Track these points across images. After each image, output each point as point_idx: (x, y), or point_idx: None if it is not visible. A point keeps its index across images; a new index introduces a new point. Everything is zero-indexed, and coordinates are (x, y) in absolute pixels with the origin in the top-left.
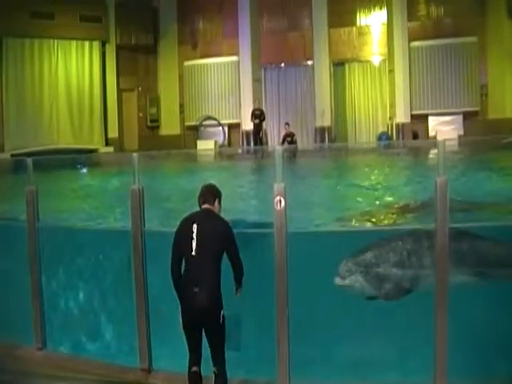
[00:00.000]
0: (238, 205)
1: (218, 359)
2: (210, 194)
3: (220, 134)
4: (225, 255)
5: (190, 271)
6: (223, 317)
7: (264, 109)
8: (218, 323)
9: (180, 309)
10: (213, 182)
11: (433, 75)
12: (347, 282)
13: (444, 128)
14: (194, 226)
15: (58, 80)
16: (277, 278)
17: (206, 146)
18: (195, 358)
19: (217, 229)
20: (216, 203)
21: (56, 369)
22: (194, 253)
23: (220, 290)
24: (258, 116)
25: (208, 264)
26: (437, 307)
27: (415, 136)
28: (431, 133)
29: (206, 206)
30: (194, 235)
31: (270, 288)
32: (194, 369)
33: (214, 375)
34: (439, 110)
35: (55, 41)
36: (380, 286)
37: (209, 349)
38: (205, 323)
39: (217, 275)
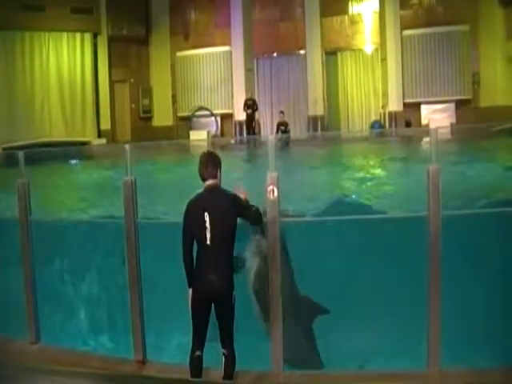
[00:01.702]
0: None
1: (228, 341)
2: (212, 164)
3: (213, 125)
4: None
5: (206, 260)
6: (234, 297)
7: (256, 98)
8: (230, 304)
9: (190, 292)
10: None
11: (425, 63)
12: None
13: (436, 116)
14: (206, 214)
15: (49, 72)
16: (270, 268)
17: (198, 136)
18: (199, 342)
19: (227, 209)
20: (219, 173)
21: (50, 362)
22: (208, 242)
23: (233, 273)
24: (251, 106)
25: (223, 251)
26: (430, 295)
27: (408, 124)
28: (424, 121)
29: (210, 182)
30: (208, 225)
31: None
32: (198, 353)
33: (223, 357)
34: (431, 99)
35: (46, 33)
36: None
37: (218, 331)
38: (219, 305)
39: (231, 260)
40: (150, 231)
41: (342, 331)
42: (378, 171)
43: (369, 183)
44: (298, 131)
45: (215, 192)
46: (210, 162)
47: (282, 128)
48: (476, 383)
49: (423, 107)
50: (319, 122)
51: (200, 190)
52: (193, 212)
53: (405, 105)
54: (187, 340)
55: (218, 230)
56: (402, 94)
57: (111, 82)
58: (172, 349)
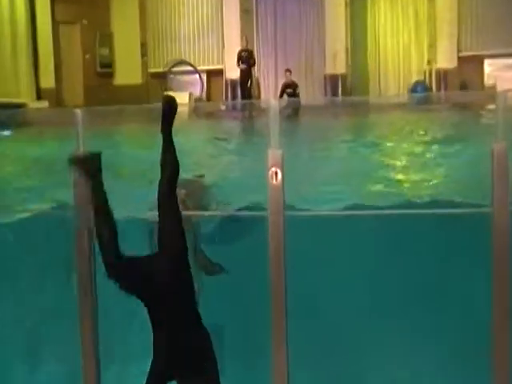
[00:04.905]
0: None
1: None
2: None
3: (196, 84)
4: None
5: None
6: None
7: (255, 50)
8: None
9: None
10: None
11: (490, 2)
12: None
13: (506, 74)
14: None
15: None
16: (271, 272)
17: (177, 99)
18: None
19: None
20: None
21: None
22: None
23: None
24: (246, 59)
25: None
26: (494, 320)
27: (464, 86)
28: (488, 81)
29: None
30: None
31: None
32: None
33: None
34: (499, 51)
35: None
36: None
37: None
38: None
39: None
40: None
41: None
42: (419, 152)
43: (404, 167)
44: (310, 94)
45: None
46: None
47: (289, 91)
48: None
49: (487, 62)
50: (340, 83)
51: None
52: None
53: (460, 59)
54: None
55: None
56: (457, 44)
57: (55, 24)
58: None
